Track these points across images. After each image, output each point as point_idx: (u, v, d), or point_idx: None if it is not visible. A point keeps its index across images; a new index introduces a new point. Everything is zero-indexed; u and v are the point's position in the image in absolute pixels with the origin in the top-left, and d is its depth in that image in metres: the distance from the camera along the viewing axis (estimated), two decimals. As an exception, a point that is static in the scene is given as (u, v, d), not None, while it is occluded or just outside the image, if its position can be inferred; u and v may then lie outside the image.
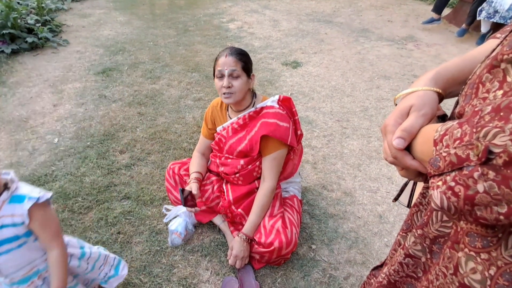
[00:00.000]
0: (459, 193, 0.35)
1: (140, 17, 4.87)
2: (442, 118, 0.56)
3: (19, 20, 3.51)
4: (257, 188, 1.51)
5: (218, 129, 1.54)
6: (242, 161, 1.49)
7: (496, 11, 3.70)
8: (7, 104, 2.63)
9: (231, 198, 1.53)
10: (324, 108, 2.77)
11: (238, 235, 1.42)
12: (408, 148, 0.49)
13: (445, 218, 0.50)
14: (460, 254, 0.44)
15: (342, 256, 1.60)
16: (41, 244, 0.99)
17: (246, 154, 1.47)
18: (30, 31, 3.59)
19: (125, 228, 1.66)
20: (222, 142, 1.53)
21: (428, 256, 0.54)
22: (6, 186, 0.91)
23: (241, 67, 1.34)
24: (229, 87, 1.33)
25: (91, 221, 1.69)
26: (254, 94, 1.48)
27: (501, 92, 0.38)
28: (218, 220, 1.65)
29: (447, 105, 0.86)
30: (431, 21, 4.52)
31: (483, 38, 4.04)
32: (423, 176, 0.52)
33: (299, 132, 1.53)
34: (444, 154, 0.38)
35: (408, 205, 0.71)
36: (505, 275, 0.38)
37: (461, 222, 0.45)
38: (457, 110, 0.48)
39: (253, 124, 1.44)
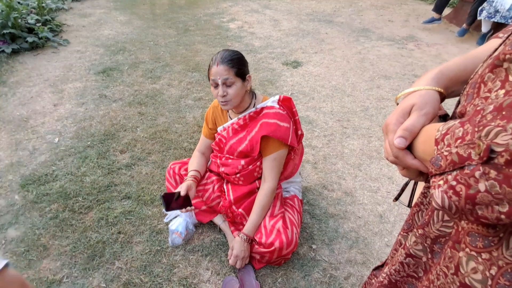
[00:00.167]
0: (461, 192, 0.35)
1: (141, 16, 4.87)
2: (444, 117, 0.56)
3: (19, 20, 3.51)
4: (258, 188, 1.51)
5: (219, 129, 1.54)
6: (242, 162, 1.48)
7: (496, 11, 3.70)
8: (7, 104, 2.63)
9: (231, 198, 1.53)
10: (324, 108, 2.77)
11: (238, 235, 1.42)
12: (410, 148, 0.49)
13: (446, 217, 0.50)
14: (461, 254, 0.44)
15: (342, 256, 1.59)
16: None
17: (247, 154, 1.47)
18: (30, 30, 3.59)
19: (125, 228, 1.66)
20: (222, 142, 1.53)
21: (429, 256, 0.54)
22: None
23: (234, 74, 1.31)
24: (224, 95, 1.32)
25: (91, 220, 1.69)
26: (253, 95, 1.48)
27: (503, 91, 0.38)
28: (218, 220, 1.65)
29: (448, 105, 0.86)
30: (432, 20, 4.52)
31: (483, 38, 4.04)
32: (424, 176, 0.52)
33: (299, 132, 1.53)
34: (445, 153, 0.38)
35: (409, 205, 0.71)
36: (506, 275, 0.38)
37: (462, 221, 0.45)
38: (458, 109, 0.48)
39: (253, 125, 1.43)
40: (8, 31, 3.33)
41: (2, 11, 3.35)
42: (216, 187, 1.61)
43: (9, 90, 2.81)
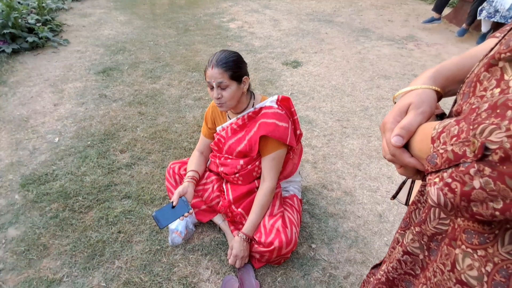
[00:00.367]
0: (456, 189, 0.36)
1: (141, 16, 4.87)
2: (441, 116, 0.57)
3: (19, 20, 3.52)
4: (257, 188, 1.52)
5: (218, 129, 1.54)
6: (241, 161, 1.49)
7: (496, 11, 3.70)
8: (7, 104, 2.63)
9: (231, 197, 1.53)
10: (324, 108, 2.78)
11: (238, 235, 1.43)
12: (407, 146, 0.49)
13: (442, 215, 0.50)
14: (457, 251, 0.44)
15: (342, 255, 1.60)
16: None
17: (246, 154, 1.48)
18: (30, 30, 3.60)
19: (125, 227, 1.67)
20: (221, 142, 1.54)
21: (426, 253, 0.54)
22: None
23: (228, 77, 1.30)
24: (219, 97, 1.33)
25: (91, 220, 1.70)
26: (251, 95, 1.48)
27: (498, 90, 0.39)
28: (218, 219, 1.66)
29: (448, 104, 0.86)
30: (432, 20, 4.52)
31: (483, 38, 4.04)
32: (421, 174, 0.52)
33: (298, 132, 1.53)
34: (441, 151, 0.38)
35: (406, 203, 0.71)
36: (501, 271, 0.38)
37: (458, 219, 0.45)
38: (455, 108, 0.48)
39: (252, 125, 1.44)
40: (8, 31, 3.34)
41: (2, 11, 3.36)
42: (215, 186, 1.61)
43: (9, 90, 2.81)
